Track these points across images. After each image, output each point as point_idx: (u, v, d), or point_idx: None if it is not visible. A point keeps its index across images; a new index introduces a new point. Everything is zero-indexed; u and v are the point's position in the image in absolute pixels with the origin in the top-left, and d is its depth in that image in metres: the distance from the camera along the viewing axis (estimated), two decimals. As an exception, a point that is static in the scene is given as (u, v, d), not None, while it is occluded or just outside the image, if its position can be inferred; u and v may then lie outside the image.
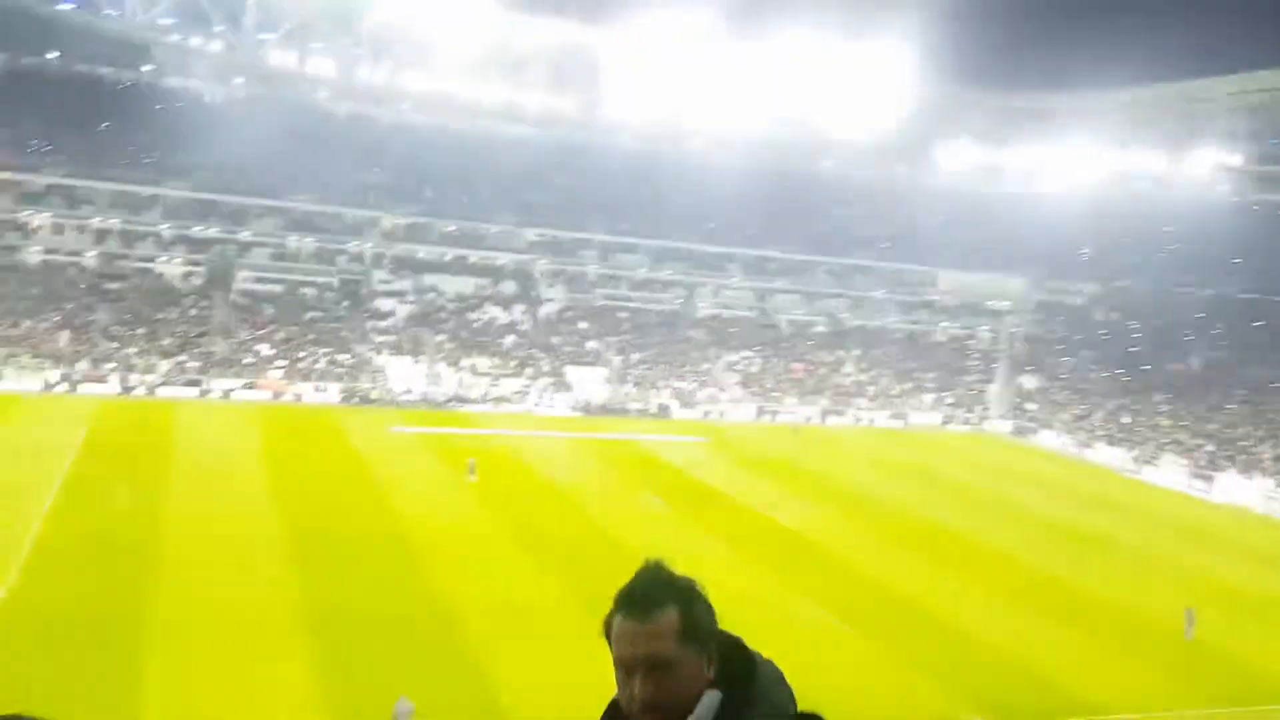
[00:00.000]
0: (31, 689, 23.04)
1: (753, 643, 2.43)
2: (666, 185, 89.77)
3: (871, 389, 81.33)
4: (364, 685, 25.18)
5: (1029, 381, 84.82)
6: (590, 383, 72.87)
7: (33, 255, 69.05)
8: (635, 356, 77.62)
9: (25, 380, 57.68)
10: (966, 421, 79.11)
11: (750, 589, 35.09)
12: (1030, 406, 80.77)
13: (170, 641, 26.32)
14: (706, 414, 72.22)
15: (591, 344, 78.01)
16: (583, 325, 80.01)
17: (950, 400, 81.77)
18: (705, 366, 79.24)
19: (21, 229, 69.76)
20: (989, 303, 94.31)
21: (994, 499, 53.24)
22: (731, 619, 2.39)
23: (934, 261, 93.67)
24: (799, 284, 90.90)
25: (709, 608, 2.33)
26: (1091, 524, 49.03)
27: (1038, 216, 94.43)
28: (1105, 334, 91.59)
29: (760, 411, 74.50)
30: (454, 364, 71.07)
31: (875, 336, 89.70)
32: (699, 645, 2.26)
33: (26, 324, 62.25)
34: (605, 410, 69.73)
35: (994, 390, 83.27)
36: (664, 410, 71.37)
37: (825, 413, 76.08)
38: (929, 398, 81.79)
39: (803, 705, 2.38)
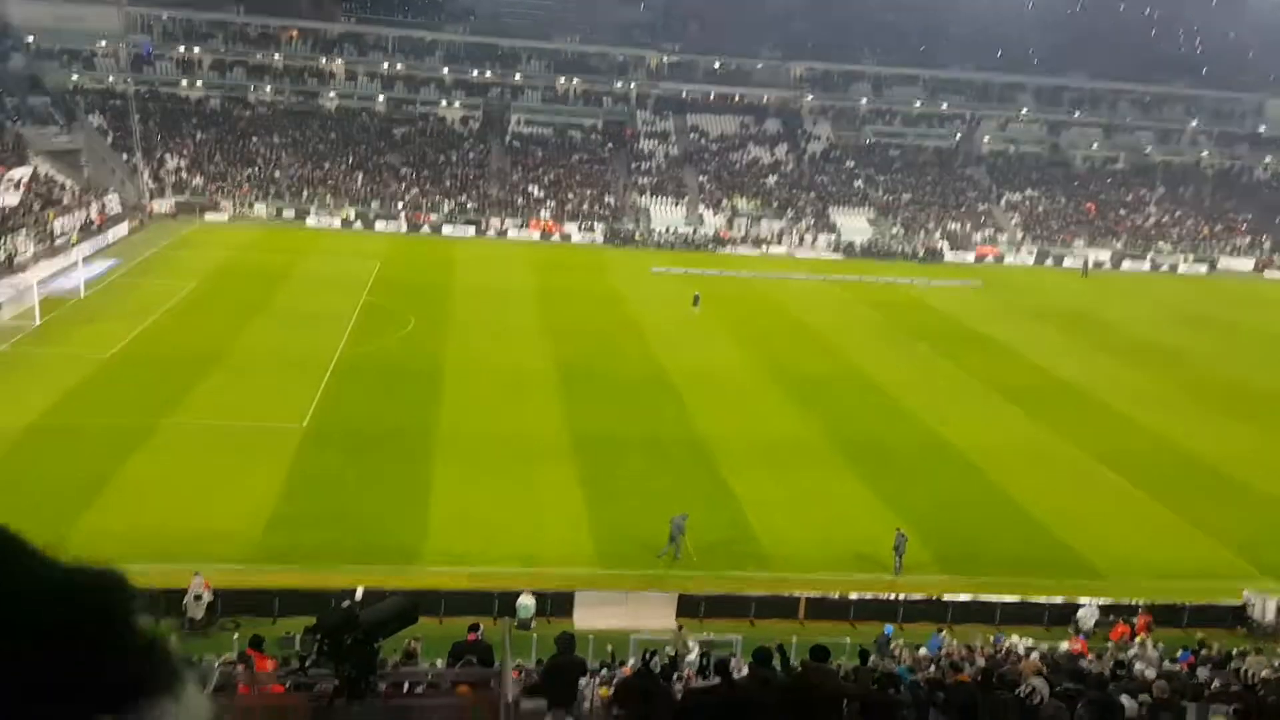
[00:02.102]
0: (342, 488, 25.78)
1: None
2: (947, 9, 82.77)
3: (1175, 231, 73.38)
4: (620, 502, 26.34)
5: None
6: (855, 224, 70.26)
7: (330, 101, 74.15)
8: (905, 196, 73.80)
9: (326, 218, 62.97)
10: (1288, 270, 70.01)
11: (1025, 443, 33.24)
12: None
13: (453, 453, 28.49)
14: (981, 257, 67.98)
15: (858, 183, 74.83)
16: (849, 164, 76.71)
17: (1268, 245, 72.46)
18: (983, 207, 74.21)
19: (319, 76, 74.84)
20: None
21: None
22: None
23: (1261, 88, 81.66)
24: (1098, 116, 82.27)
25: None
26: None
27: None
28: None
29: (1043, 255, 69.23)
30: (715, 205, 70.52)
31: (1184, 174, 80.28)
32: None
33: (327, 166, 67.46)
34: (870, 252, 67.21)
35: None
36: (933, 253, 67.81)
37: (1120, 257, 69.62)
38: (1243, 241, 72.83)
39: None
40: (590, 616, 21.20)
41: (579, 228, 66.29)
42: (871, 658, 15.73)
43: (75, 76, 68.19)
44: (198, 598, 20.28)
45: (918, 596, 22.95)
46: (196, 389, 31.94)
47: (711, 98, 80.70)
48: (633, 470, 28.46)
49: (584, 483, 27.44)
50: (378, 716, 11.67)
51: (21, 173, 46.03)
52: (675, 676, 14.81)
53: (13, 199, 45.21)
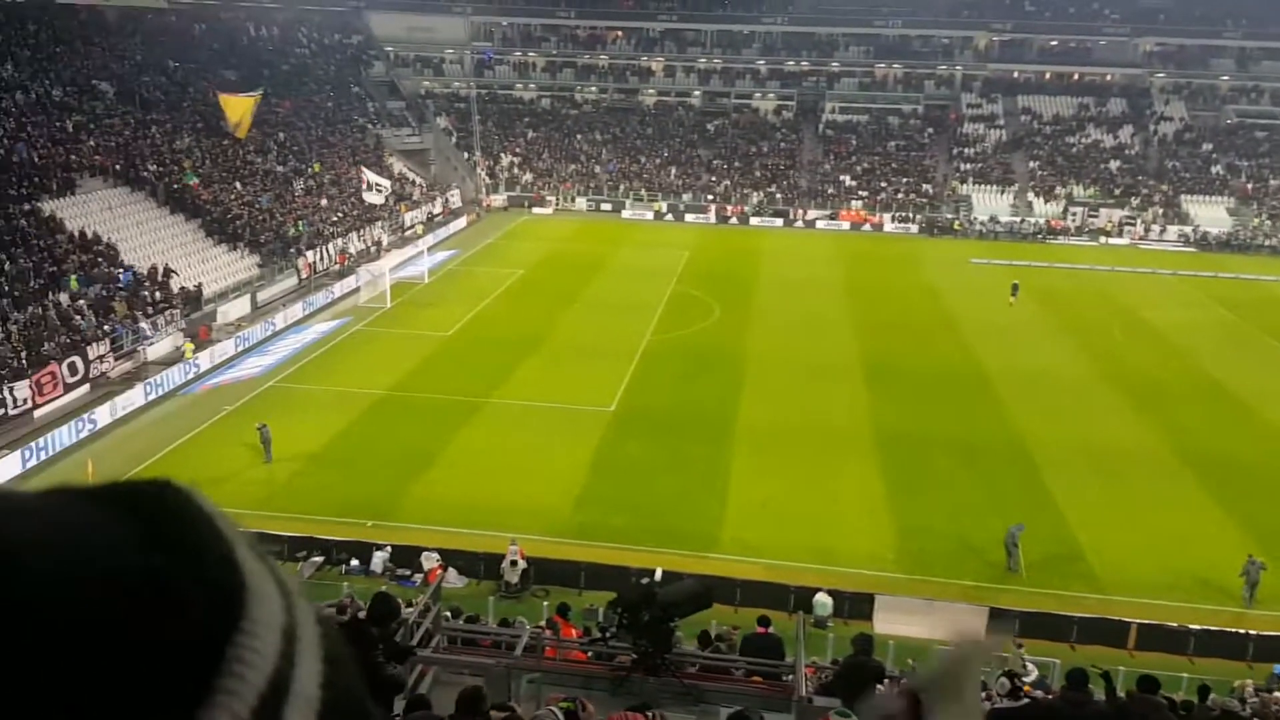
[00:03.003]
0: (645, 471, 26.47)
1: None
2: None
3: None
4: (926, 504, 25.06)
5: None
6: (1211, 213, 62.82)
7: (649, 97, 76.69)
8: (1274, 183, 65.05)
9: (640, 210, 65.19)
10: None
11: None
12: None
13: (753, 443, 28.40)
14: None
15: (1216, 169, 66.86)
16: (1206, 147, 68.69)
17: None
18: (1374, 195, 63.95)
19: (640, 73, 77.57)
20: None
21: None
22: None
23: None
24: None
25: None
26: None
27: None
28: None
29: None
30: (1046, 193, 65.69)
31: None
32: None
33: (643, 160, 69.83)
34: (1228, 246, 59.86)
35: None
36: (1308, 247, 59.27)
37: None
38: None
39: None
40: (891, 622, 20.28)
41: (892, 218, 64.18)
42: (1211, 696, 13.80)
43: (426, 82, 75.08)
44: (513, 563, 21.53)
45: (1273, 633, 20.04)
46: (518, 370, 34.05)
47: (1046, 77, 75.25)
48: (940, 471, 27.00)
49: (887, 481, 26.39)
50: (672, 694, 11.71)
51: (384, 183, 51.52)
52: (984, 696, 13.77)
53: (377, 198, 50.45)
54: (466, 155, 69.65)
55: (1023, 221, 63.28)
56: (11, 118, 40.57)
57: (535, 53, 77.66)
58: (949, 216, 64.09)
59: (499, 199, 66.59)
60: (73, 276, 33.67)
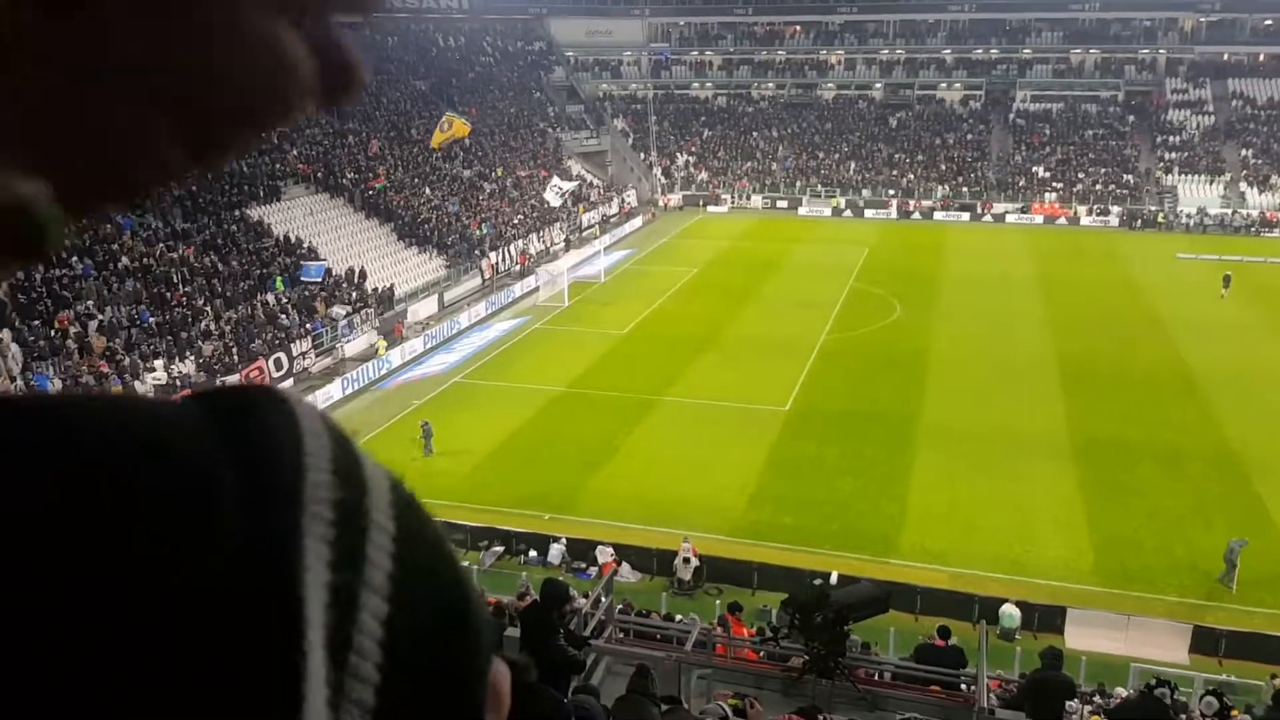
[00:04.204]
0: (821, 472, 25.95)
1: None
2: None
3: None
4: (1126, 514, 23.48)
5: None
6: None
7: (828, 92, 75.33)
8: None
9: (818, 206, 64.10)
10: None
11: None
12: None
13: (936, 445, 27.38)
14: None
15: None
16: None
17: None
18: None
19: (818, 67, 76.31)
20: None
21: None
22: None
23: None
24: None
25: None
26: None
27: None
28: None
29: None
30: (1261, 183, 60.47)
31: None
32: None
33: (820, 156, 68.64)
34: None
35: None
36: None
37: None
38: None
39: None
40: (1083, 636, 19.07)
41: (1089, 211, 60.61)
42: None
43: (604, 85, 76.35)
44: (685, 561, 21.49)
45: None
46: (692, 368, 34.05)
47: (1260, 59, 69.30)
48: (1143, 479, 25.22)
49: (1084, 489, 24.85)
50: (848, 698, 11.35)
51: (568, 185, 52.85)
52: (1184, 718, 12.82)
53: (558, 200, 51.74)
54: (643, 156, 70.40)
55: (1234, 214, 58.47)
56: (224, 129, 43.73)
57: (712, 51, 77.67)
58: (1152, 209, 59.96)
59: (674, 198, 66.96)
60: (278, 277, 35.99)
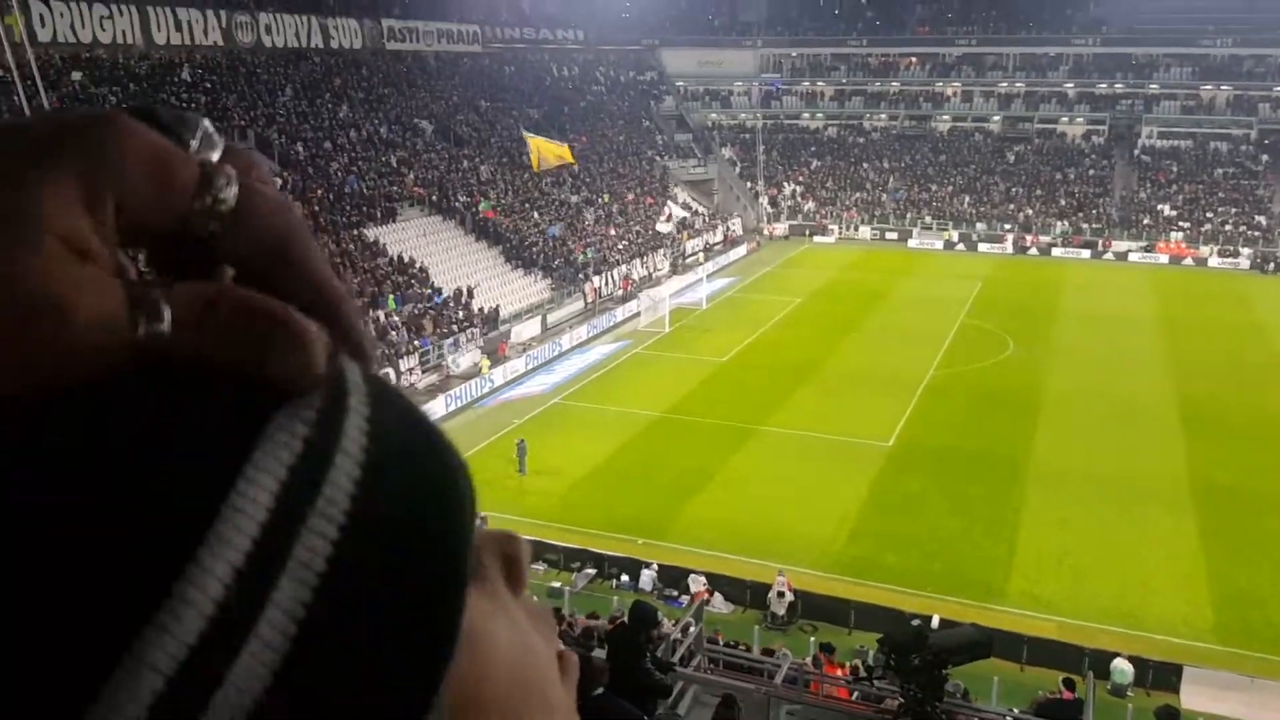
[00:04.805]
0: (924, 511, 25.17)
1: None
2: None
3: None
4: (1251, 569, 22.14)
5: None
6: None
7: (942, 123, 73.97)
8: None
9: (928, 239, 62.81)
10: None
11: None
12: None
13: (1047, 488, 26.32)
14: None
15: None
16: None
17: None
18: None
19: (934, 99, 75.03)
20: None
21: None
22: None
23: None
24: None
25: None
26: None
27: None
28: None
29: None
30: None
31: None
32: None
33: (933, 188, 67.33)
34: None
35: None
36: None
37: None
38: None
39: None
40: (1200, 697, 17.94)
41: (1218, 251, 57.91)
42: None
43: (713, 115, 76.53)
44: (780, 595, 21.03)
45: None
46: (792, 398, 33.53)
47: None
48: (1271, 533, 23.72)
49: (1205, 540, 23.51)
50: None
51: (678, 213, 53.11)
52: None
53: (665, 227, 51.86)
54: (749, 184, 70.19)
55: (1382, 256, 55.14)
56: (345, 153, 45.28)
57: (824, 82, 77.15)
58: (1288, 250, 56.98)
59: (780, 227, 66.50)
60: (390, 296, 36.88)
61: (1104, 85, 70.90)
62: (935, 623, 18.58)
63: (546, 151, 47.54)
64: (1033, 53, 72.81)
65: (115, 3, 40.59)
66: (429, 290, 38.93)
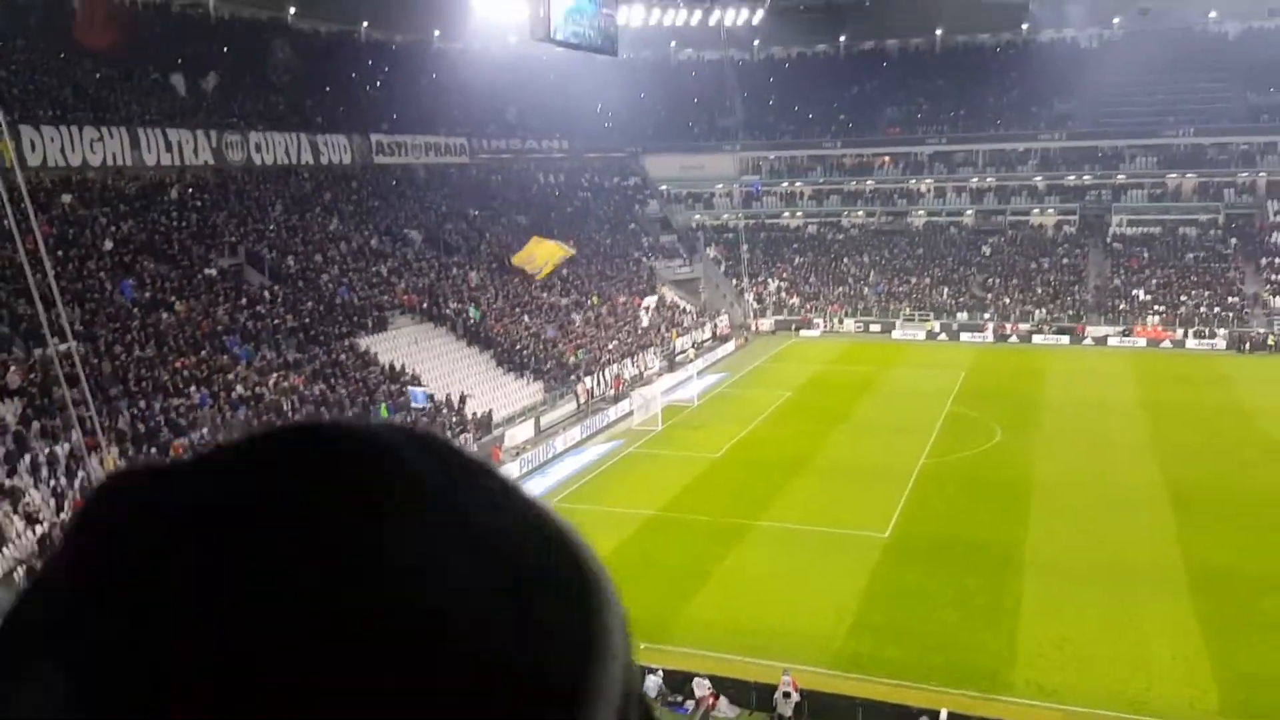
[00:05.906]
0: (924, 602, 25.17)
1: None
2: None
3: None
4: (1253, 650, 22.13)
5: None
6: None
7: (917, 219, 75.85)
8: None
9: (911, 330, 63.83)
10: None
11: None
12: None
13: (1045, 575, 26.40)
14: None
15: None
16: None
17: None
18: None
19: (908, 195, 77.04)
20: None
21: None
22: None
23: None
24: None
25: None
26: None
27: None
28: None
29: None
30: (1381, 302, 58.30)
31: None
32: None
33: (912, 280, 68.64)
34: None
35: None
36: None
37: None
38: None
39: None
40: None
41: (1193, 334, 59.03)
42: None
43: (697, 216, 78.27)
44: (786, 695, 20.89)
45: None
46: (785, 492, 33.71)
47: (1369, 178, 67.65)
48: (1270, 613, 23.81)
49: (1204, 623, 23.55)
50: None
51: (651, 300, 54.04)
52: None
53: (644, 321, 52.63)
54: (734, 282, 71.41)
55: (1355, 334, 56.28)
56: (336, 265, 46.07)
57: (802, 182, 79.19)
58: (1261, 331, 58.10)
59: (766, 323, 67.47)
60: (383, 404, 37.18)
61: (1072, 177, 73.02)
62: (944, 717, 18.53)
63: (549, 254, 48.29)
64: (1001, 149, 75.16)
65: (106, 125, 41.51)
66: (420, 395, 39.19)
